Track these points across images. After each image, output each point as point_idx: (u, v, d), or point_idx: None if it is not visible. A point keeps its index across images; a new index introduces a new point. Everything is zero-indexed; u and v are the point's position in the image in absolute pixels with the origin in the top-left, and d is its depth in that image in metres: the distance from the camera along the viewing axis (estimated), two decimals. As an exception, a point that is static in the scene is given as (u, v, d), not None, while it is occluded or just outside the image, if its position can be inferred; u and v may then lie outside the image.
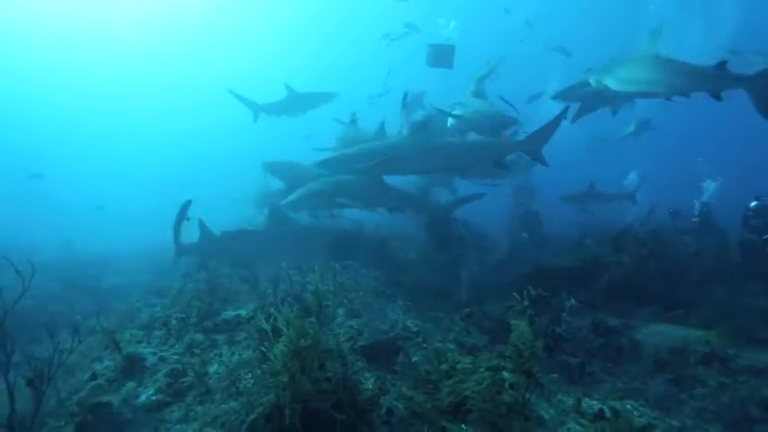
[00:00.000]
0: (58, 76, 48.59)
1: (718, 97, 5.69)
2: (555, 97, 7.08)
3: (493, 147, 7.82)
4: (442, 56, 9.04)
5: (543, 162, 7.64)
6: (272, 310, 2.90)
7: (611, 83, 6.19)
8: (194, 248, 8.04)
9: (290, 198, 7.98)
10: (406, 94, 10.47)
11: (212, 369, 3.86)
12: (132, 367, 4.17)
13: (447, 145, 7.86)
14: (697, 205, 8.62)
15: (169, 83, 49.43)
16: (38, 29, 42.00)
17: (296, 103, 11.26)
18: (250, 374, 3.28)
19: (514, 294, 4.89)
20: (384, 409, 2.73)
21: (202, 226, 7.91)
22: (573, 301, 5.42)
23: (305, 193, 7.87)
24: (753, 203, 7.02)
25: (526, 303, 4.51)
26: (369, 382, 2.96)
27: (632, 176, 13.04)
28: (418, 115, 10.09)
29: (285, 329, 2.50)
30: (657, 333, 4.16)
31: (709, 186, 10.47)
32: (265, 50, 43.87)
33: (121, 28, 43.43)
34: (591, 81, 6.41)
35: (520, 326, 2.70)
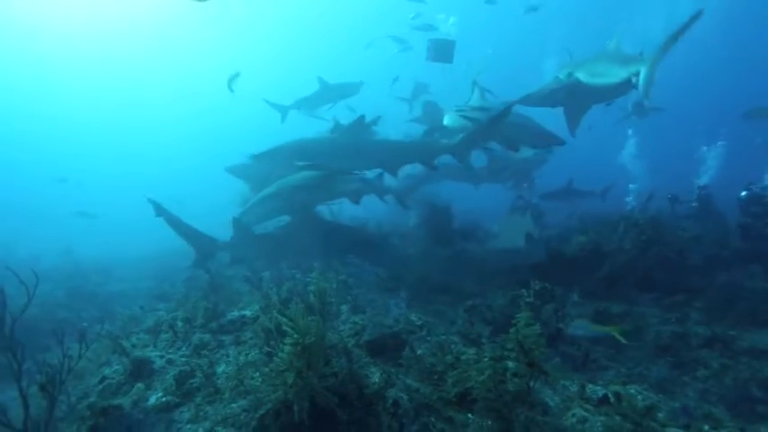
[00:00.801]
0: (60, 86, 48.39)
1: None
2: (524, 102, 7.10)
3: (424, 148, 7.91)
4: (442, 51, 9.13)
5: (468, 167, 8.10)
6: (275, 310, 2.94)
7: (583, 76, 6.28)
8: (228, 246, 7.72)
9: (245, 210, 7.90)
10: (416, 85, 10.48)
11: (220, 369, 3.90)
12: (140, 370, 4.20)
13: (379, 144, 7.92)
14: (696, 189, 8.63)
15: (168, 90, 49.27)
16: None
17: (329, 94, 11.48)
18: (258, 373, 3.32)
19: (519, 287, 5.00)
20: (390, 402, 2.76)
21: (237, 223, 7.60)
22: (575, 296, 5.48)
23: (259, 202, 7.74)
24: (743, 193, 7.11)
25: (530, 296, 4.58)
26: (375, 376, 3.00)
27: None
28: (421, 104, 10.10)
29: (290, 329, 2.54)
30: (582, 327, 4.37)
31: (709, 169, 10.49)
32: (265, 51, 43.66)
33: (119, 37, 43.28)
34: (561, 76, 6.49)
35: (522, 318, 2.73)
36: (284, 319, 2.63)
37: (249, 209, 7.88)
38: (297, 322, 2.57)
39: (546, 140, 7.78)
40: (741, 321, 5.04)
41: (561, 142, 7.65)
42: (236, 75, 9.19)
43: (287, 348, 2.48)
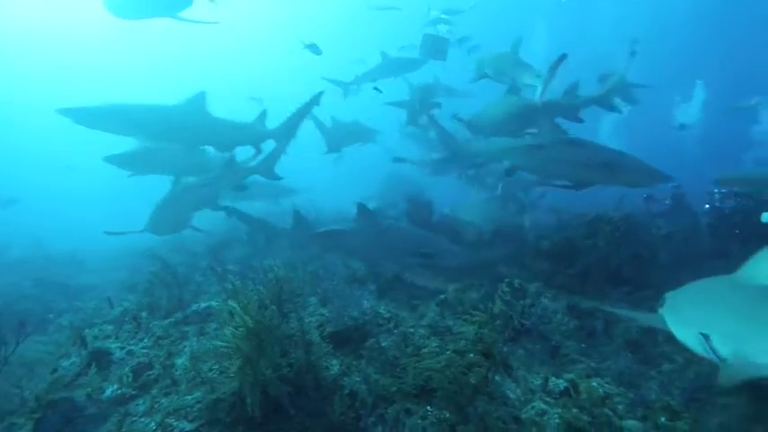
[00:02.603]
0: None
1: None
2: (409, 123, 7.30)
3: (253, 132, 8.00)
4: (436, 47, 9.35)
5: (276, 178, 8.39)
6: (233, 299, 2.85)
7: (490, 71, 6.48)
8: (288, 235, 7.52)
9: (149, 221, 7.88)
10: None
11: (180, 361, 3.78)
12: (99, 362, 4.06)
13: (210, 121, 7.72)
14: (669, 188, 8.77)
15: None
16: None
17: (390, 68, 11.53)
18: (217, 363, 3.23)
19: (493, 282, 4.99)
20: (347, 392, 2.70)
21: (297, 215, 7.44)
22: (545, 300, 5.49)
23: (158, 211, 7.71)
24: (707, 206, 7.28)
25: (506, 292, 4.56)
26: (334, 367, 2.93)
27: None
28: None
29: (241, 314, 2.45)
30: None
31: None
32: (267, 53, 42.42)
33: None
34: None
35: (482, 312, 2.71)
36: (236, 306, 2.54)
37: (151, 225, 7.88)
38: (248, 309, 2.48)
39: (647, 178, 6.37)
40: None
41: (666, 179, 6.37)
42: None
43: (229, 330, 2.39)
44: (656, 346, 4.90)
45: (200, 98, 7.36)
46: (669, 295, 3.39)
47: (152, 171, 8.27)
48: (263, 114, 8.17)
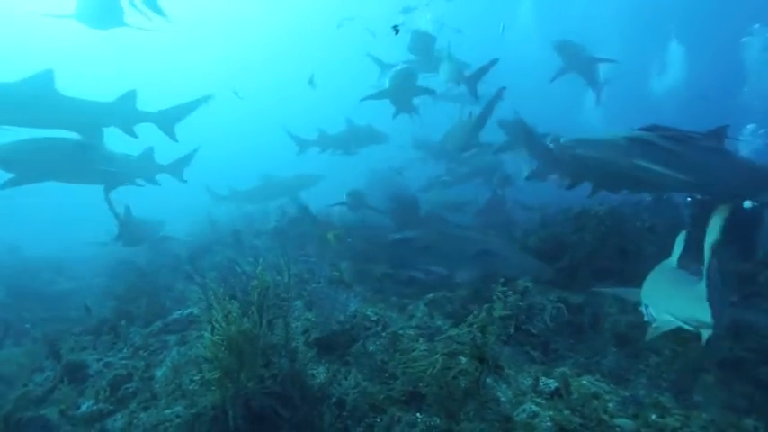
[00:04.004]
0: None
1: None
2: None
3: (123, 113, 7.83)
4: (422, 45, 9.58)
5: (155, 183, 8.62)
6: (215, 306, 2.71)
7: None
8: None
9: None
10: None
11: (160, 372, 3.63)
12: (74, 375, 3.89)
13: (67, 101, 7.31)
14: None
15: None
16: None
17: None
18: (198, 375, 3.09)
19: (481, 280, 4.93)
20: (334, 401, 2.60)
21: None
22: (533, 295, 5.44)
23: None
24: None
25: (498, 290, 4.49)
26: (321, 375, 2.83)
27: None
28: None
29: (222, 323, 2.33)
30: None
31: None
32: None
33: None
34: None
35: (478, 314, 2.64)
36: (217, 315, 2.42)
37: None
38: (229, 318, 2.36)
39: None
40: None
41: None
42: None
43: (211, 339, 2.27)
44: (643, 340, 4.93)
45: (45, 76, 6.88)
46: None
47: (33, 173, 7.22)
48: (132, 94, 7.91)
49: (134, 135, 7.99)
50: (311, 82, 10.79)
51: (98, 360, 4.12)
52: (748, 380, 4.01)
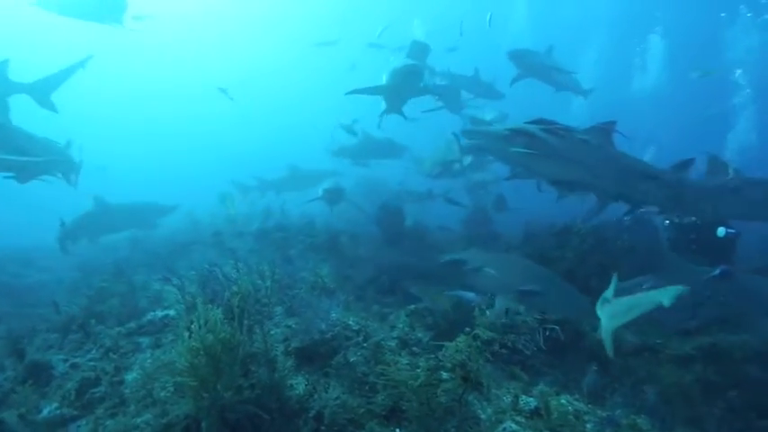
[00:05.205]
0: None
1: None
2: None
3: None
4: (419, 52, 10.10)
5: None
6: (194, 311, 2.62)
7: None
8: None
9: None
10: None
11: (130, 377, 3.48)
12: (37, 377, 3.69)
13: None
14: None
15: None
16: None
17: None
18: (170, 381, 2.97)
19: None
20: (313, 415, 2.54)
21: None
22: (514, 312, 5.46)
23: None
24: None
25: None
26: (299, 387, 2.76)
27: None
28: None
29: (201, 330, 2.24)
30: None
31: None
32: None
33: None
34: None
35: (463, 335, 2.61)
36: (198, 321, 2.33)
37: None
38: (209, 325, 2.27)
39: None
40: (667, 329, 5.29)
41: None
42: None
43: (187, 346, 2.18)
44: (620, 358, 5.00)
45: None
46: None
47: None
48: (4, 63, 7.73)
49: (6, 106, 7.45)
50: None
51: (64, 361, 3.93)
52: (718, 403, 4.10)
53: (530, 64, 10.31)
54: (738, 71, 16.68)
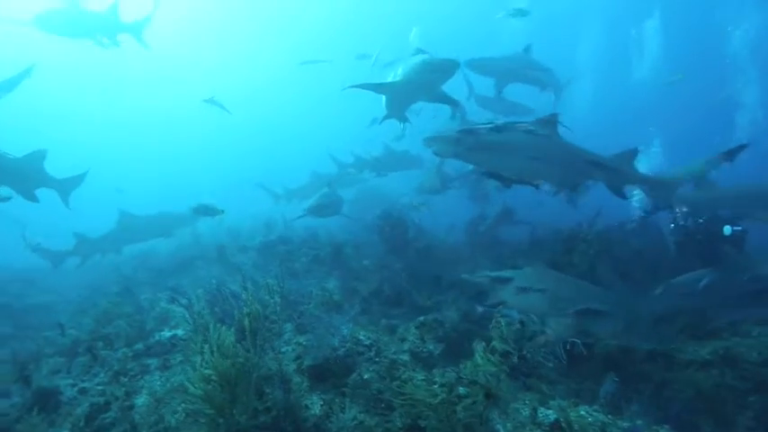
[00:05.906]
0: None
1: None
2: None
3: None
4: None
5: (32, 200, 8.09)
6: (204, 335, 2.57)
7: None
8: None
9: None
10: None
11: (140, 401, 3.42)
12: (45, 403, 3.63)
13: None
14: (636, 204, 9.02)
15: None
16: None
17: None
18: (181, 406, 2.92)
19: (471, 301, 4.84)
20: (331, 438, 2.48)
21: None
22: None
23: None
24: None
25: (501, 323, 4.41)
26: (315, 407, 2.70)
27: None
28: None
29: (211, 355, 2.19)
30: None
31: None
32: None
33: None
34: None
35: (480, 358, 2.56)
36: (212, 346, 2.28)
37: None
38: (222, 349, 2.23)
39: None
40: (681, 334, 5.21)
41: None
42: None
43: (202, 374, 2.13)
44: (634, 365, 4.92)
45: None
46: None
47: None
48: None
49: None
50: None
51: (72, 385, 3.87)
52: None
53: (494, 70, 10.23)
54: (740, 51, 16.80)
